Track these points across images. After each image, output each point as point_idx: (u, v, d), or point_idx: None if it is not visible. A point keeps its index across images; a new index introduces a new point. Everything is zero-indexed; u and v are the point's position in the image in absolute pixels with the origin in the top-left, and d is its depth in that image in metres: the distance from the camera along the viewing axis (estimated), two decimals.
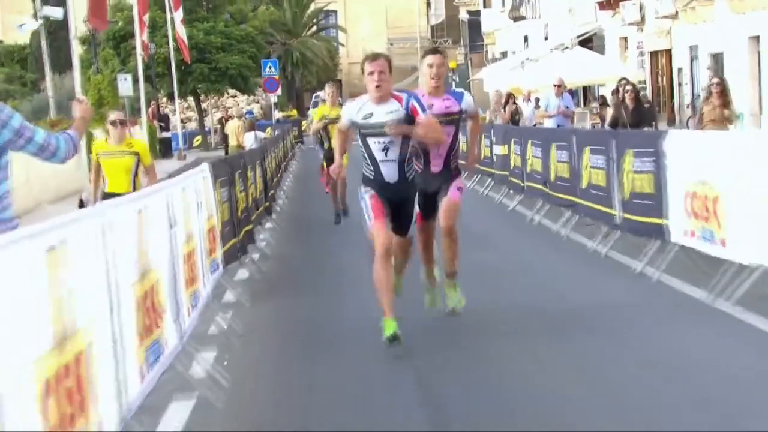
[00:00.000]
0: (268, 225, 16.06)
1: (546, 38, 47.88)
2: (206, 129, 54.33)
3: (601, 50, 41.82)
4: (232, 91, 59.57)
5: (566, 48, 42.02)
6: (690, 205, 9.01)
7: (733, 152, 8.28)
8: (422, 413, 5.97)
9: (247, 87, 53.40)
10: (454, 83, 57.72)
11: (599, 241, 11.64)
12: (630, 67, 39.05)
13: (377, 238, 7.52)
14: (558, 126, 20.89)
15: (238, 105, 66.58)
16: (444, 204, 8.28)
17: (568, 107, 21.88)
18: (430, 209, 8.33)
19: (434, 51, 8.46)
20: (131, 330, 5.16)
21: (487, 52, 62.04)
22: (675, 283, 9.30)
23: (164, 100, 53.39)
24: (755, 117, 30.14)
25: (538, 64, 39.18)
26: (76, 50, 22.80)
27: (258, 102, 67.33)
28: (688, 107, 35.20)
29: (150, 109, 42.17)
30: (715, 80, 16.01)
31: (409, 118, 7.49)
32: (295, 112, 58.31)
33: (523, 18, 51.80)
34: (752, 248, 7.82)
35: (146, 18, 33.19)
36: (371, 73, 7.46)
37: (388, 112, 7.48)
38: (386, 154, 7.57)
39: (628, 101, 17.68)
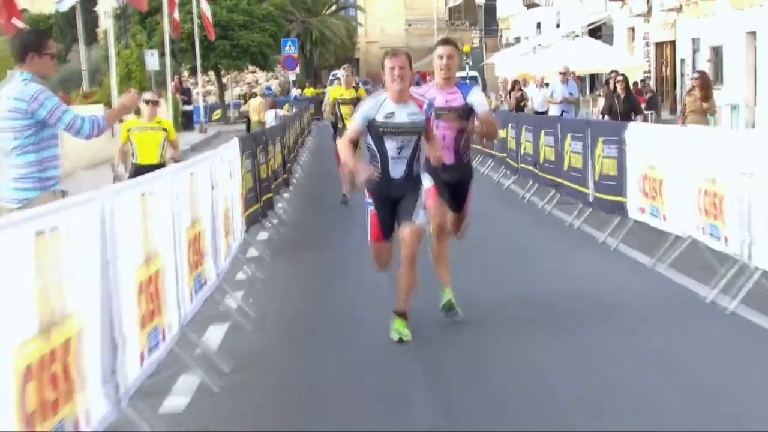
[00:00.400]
0: (286, 195, 17.81)
1: (558, 25, 49.41)
2: (226, 103, 56.11)
3: (609, 39, 43.37)
4: (251, 67, 61.28)
5: (576, 36, 43.61)
6: (642, 186, 10.72)
7: (675, 143, 9.98)
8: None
9: (267, 64, 55.22)
10: (467, 66, 59.27)
11: (574, 216, 13.35)
12: (636, 57, 40.64)
13: (374, 258, 7.90)
14: (562, 112, 22.52)
15: (257, 81, 68.40)
16: (455, 217, 8.46)
17: (572, 94, 23.46)
18: (456, 200, 8.42)
19: (446, 42, 8.44)
20: (182, 266, 6.89)
21: (501, 36, 63.56)
22: (626, 250, 11.06)
23: (186, 74, 55.05)
24: (750, 108, 31.73)
25: (549, 51, 40.69)
26: (112, 26, 24.44)
27: (276, 78, 69.07)
28: (683, 97, 36.75)
29: (173, 83, 43.87)
30: (696, 74, 17.66)
31: (427, 125, 7.67)
32: (312, 90, 59.94)
33: (536, 5, 53.35)
34: (685, 222, 9.53)
35: None
36: (392, 68, 7.49)
37: (409, 113, 7.55)
38: (399, 153, 7.63)
39: (619, 91, 19.28)
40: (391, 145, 7.59)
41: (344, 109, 15.93)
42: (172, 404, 6.21)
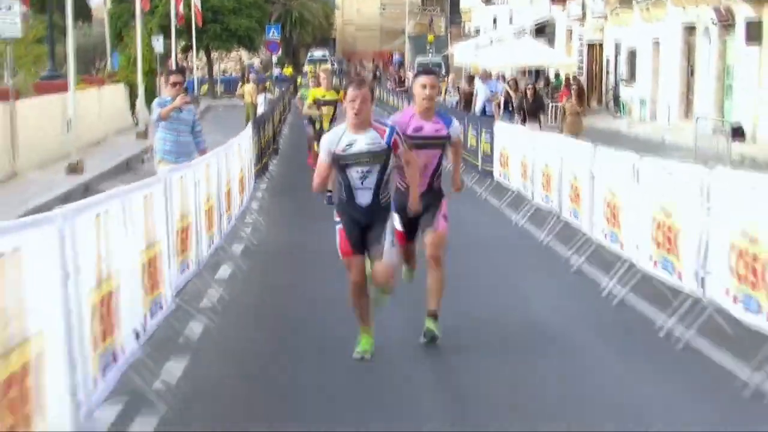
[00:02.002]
0: (274, 161, 24.41)
1: (511, 21, 55.98)
2: (214, 79, 62.51)
3: (552, 37, 50.02)
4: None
5: (525, 32, 50.29)
6: (500, 159, 17.42)
7: (516, 136, 16.67)
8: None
9: (252, 47, 61.64)
10: (431, 54, 65.74)
11: (485, 189, 19.49)
12: (573, 55, 47.33)
13: (349, 272, 7.79)
14: (484, 107, 28.88)
15: (241, 58, 74.75)
16: (430, 236, 8.24)
17: (492, 92, 29.98)
18: (414, 228, 8.40)
19: (428, 72, 8.57)
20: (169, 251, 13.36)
21: (464, 26, 70.02)
22: (504, 209, 17.65)
23: (179, 54, 61.31)
24: (653, 103, 38.50)
25: (500, 47, 47.35)
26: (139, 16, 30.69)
27: (258, 57, 75.37)
28: (609, 91, 43.59)
29: (168, 61, 50.25)
30: (574, 85, 24.35)
31: (389, 151, 7.63)
32: (290, 69, 66.34)
33: (492, 2, 59.92)
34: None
35: None
36: (353, 101, 7.50)
37: (369, 143, 7.58)
38: (362, 183, 7.64)
39: (528, 96, 25.73)
40: (353, 175, 7.61)
41: (325, 110, 16.87)
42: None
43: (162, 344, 7.63)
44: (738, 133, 29.95)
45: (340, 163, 7.61)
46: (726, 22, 31.94)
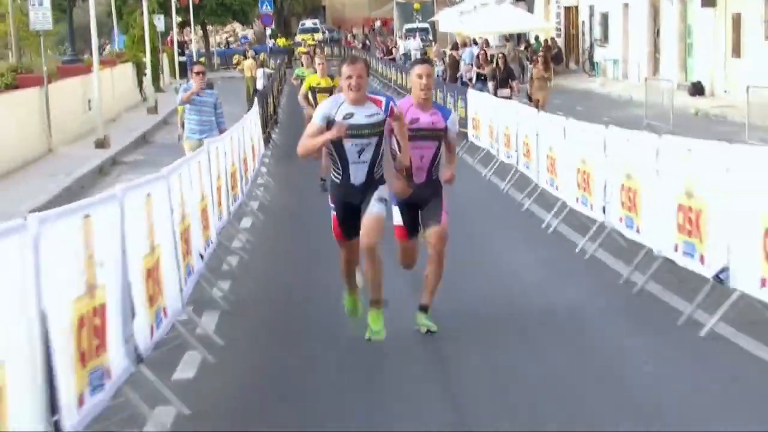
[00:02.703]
0: (276, 130, 27.20)
1: None
2: (210, 52, 65.16)
3: (532, 2, 52.64)
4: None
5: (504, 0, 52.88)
6: (472, 123, 20.24)
7: (484, 103, 19.48)
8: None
9: (246, 20, 64.30)
10: (417, 20, 68.23)
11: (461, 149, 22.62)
12: (551, 19, 50.00)
13: (341, 253, 8.02)
14: (461, 76, 31.63)
15: (234, 30, 77.33)
16: (435, 229, 8.10)
17: (466, 63, 32.67)
18: (415, 222, 8.27)
19: (423, 61, 8.52)
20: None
21: None
22: (476, 165, 20.51)
23: (177, 30, 63.99)
24: (625, 63, 41.26)
25: (481, 13, 50.00)
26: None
27: (252, 29, 77.96)
28: (584, 52, 46.34)
29: (168, 37, 52.95)
30: (540, 52, 27.09)
31: (388, 121, 7.68)
32: (284, 40, 68.93)
33: None
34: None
35: None
36: (349, 77, 7.53)
37: (368, 115, 7.59)
38: (359, 156, 7.64)
39: (500, 64, 28.39)
40: (350, 148, 7.60)
41: (320, 97, 16.03)
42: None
43: (213, 268, 10.48)
44: (697, 89, 32.81)
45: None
46: None
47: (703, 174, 8.19)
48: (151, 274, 6.85)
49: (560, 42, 48.25)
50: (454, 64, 36.94)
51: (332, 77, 16.55)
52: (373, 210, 7.69)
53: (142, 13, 41.19)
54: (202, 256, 9.19)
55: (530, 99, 24.56)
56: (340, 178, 7.76)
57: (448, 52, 39.18)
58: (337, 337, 8.25)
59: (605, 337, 8.11)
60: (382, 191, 7.77)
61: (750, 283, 7.42)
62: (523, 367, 7.39)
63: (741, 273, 7.59)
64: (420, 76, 8.16)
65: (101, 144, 23.72)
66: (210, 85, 14.94)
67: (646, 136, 10.01)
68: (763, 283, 7.18)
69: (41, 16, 22.00)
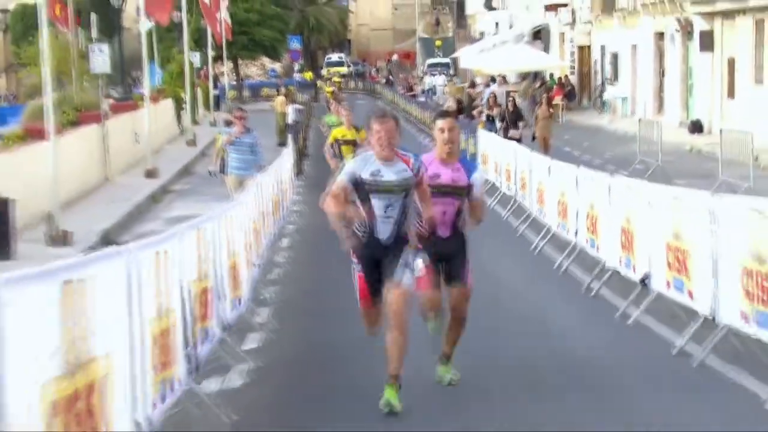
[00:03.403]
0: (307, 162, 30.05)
1: (511, 26, 61.45)
2: (241, 84, 68.52)
3: (548, 41, 55.51)
4: None
5: (524, 37, 55.77)
6: (481, 158, 22.99)
7: (491, 142, 22.24)
8: None
9: (276, 55, 67.69)
10: (439, 56, 71.25)
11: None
12: (566, 58, 52.82)
13: (365, 320, 7.92)
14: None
15: (263, 64, 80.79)
16: (458, 291, 8.05)
17: (482, 102, 35.33)
18: (453, 268, 8.11)
19: (444, 114, 8.38)
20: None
21: (470, 29, 75.50)
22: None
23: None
24: (633, 100, 43.99)
25: (500, 51, 52.84)
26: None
27: (280, 62, 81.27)
28: (595, 90, 49.13)
29: (202, 71, 56.08)
30: (544, 94, 29.84)
31: (415, 181, 7.59)
32: (310, 74, 72.16)
33: (494, 8, 65.47)
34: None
35: (218, 15, 47.11)
36: (379, 132, 7.48)
37: (396, 172, 7.53)
38: (386, 212, 7.56)
39: (510, 107, 30.81)
40: (377, 204, 7.53)
41: (345, 150, 16.44)
42: None
43: (267, 268, 13.19)
44: (696, 127, 35.47)
45: (366, 189, 7.53)
46: (686, 31, 37.44)
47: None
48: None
49: (574, 80, 51.01)
50: (471, 101, 39.81)
51: (357, 129, 16.75)
52: (401, 278, 7.57)
53: (179, 51, 44.33)
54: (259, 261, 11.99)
55: (533, 138, 26.95)
56: (365, 232, 7.64)
57: (465, 89, 42.02)
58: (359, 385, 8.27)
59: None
60: (407, 255, 7.65)
61: None
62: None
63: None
64: (443, 131, 7.98)
65: (151, 174, 26.62)
66: (248, 129, 16.71)
67: (640, 184, 11.07)
68: None
69: (101, 61, 24.96)
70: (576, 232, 13.51)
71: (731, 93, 33.81)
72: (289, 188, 19.68)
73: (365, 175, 7.53)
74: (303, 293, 12.93)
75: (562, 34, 54.22)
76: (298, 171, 25.54)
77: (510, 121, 28.69)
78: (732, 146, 21.63)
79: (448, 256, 8.07)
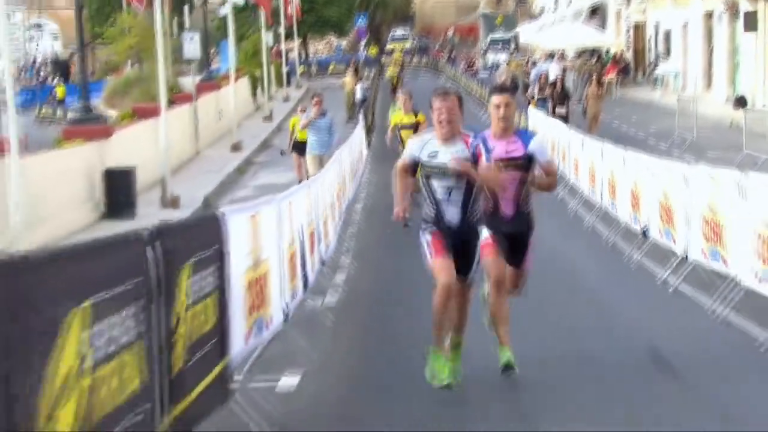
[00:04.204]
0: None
1: (569, 4, 63.87)
2: (309, 61, 71.89)
3: (605, 18, 57.95)
4: None
5: (582, 14, 58.25)
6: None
7: (540, 119, 25.19)
8: None
9: (342, 32, 70.97)
10: (500, 32, 73.83)
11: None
12: (622, 35, 55.28)
13: (439, 275, 7.35)
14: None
15: (331, 39, 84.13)
16: (514, 273, 8.05)
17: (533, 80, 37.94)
18: (515, 254, 8.01)
19: (500, 90, 8.16)
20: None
21: (530, 5, 77.98)
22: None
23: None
24: (684, 76, 46.45)
25: (557, 28, 55.46)
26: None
27: (347, 38, 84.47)
28: (649, 65, 51.59)
29: (273, 50, 59.46)
30: (594, 74, 32.50)
31: (474, 160, 7.33)
32: (375, 50, 75.27)
33: None
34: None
35: None
36: (440, 109, 7.33)
37: (454, 152, 7.33)
38: (449, 195, 7.38)
39: (557, 86, 33.23)
40: (439, 189, 7.39)
41: (404, 134, 16.37)
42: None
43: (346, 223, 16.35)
44: (741, 102, 37.96)
45: (425, 171, 7.48)
46: (732, 11, 39.87)
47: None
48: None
49: (629, 56, 53.43)
50: (526, 78, 42.55)
51: (416, 113, 16.77)
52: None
53: (255, 30, 47.69)
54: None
55: (584, 114, 29.68)
56: (433, 216, 7.52)
57: (523, 67, 44.76)
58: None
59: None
60: (480, 247, 7.58)
61: None
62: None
63: None
64: (498, 107, 7.89)
65: (236, 147, 29.97)
66: (323, 113, 18.66)
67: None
68: None
69: (193, 49, 28.28)
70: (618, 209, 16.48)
71: None
72: (361, 160, 22.81)
73: (423, 157, 7.48)
74: (376, 242, 16.03)
75: (618, 11, 56.59)
76: (368, 143, 28.67)
77: (558, 99, 31.27)
78: (762, 122, 24.31)
79: (513, 238, 7.94)
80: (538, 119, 25.44)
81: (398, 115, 17.06)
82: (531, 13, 72.86)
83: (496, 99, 7.94)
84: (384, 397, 7.55)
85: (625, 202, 14.47)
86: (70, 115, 45.24)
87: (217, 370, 5.94)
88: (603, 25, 56.91)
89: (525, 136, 8.02)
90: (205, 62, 39.42)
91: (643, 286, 11.46)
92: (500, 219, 7.84)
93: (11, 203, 13.35)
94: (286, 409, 7.21)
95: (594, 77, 31.97)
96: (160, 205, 19.66)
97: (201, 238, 5.87)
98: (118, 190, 18.27)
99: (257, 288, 7.33)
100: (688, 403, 7.19)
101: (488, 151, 7.43)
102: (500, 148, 7.76)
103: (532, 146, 7.86)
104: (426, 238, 7.49)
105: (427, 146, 7.47)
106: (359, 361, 8.77)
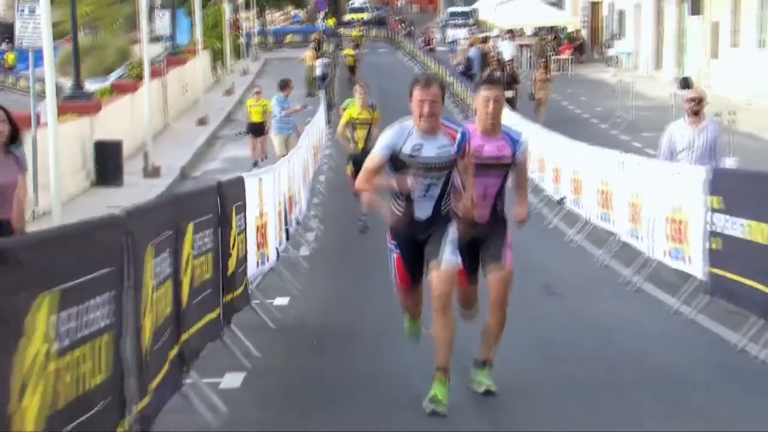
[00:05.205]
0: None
1: None
2: (266, 31, 75.08)
3: None
4: None
5: None
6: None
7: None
8: None
9: (301, 3, 74.18)
10: (460, 4, 77.18)
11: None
12: (579, 13, 59.01)
13: (404, 301, 7.66)
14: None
15: (287, 12, 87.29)
16: (497, 273, 7.58)
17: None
18: (475, 262, 7.70)
19: (490, 83, 7.88)
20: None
21: None
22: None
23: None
24: (636, 55, 50.30)
25: (516, 5, 59.00)
26: None
27: (304, 8, 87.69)
28: (603, 44, 55.44)
29: (230, 21, 62.60)
30: (542, 59, 36.04)
31: (459, 152, 7.16)
32: (332, 20, 78.56)
33: None
34: None
35: None
36: (422, 102, 7.02)
37: (439, 147, 7.09)
38: (427, 192, 7.18)
39: (507, 70, 36.52)
40: (417, 185, 7.10)
41: (359, 131, 16.14)
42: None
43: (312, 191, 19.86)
44: (685, 84, 41.80)
45: (406, 166, 7.12)
46: None
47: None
48: (280, 215, 12.73)
49: (585, 34, 57.22)
50: (483, 57, 45.86)
51: (373, 107, 16.41)
52: (447, 256, 7.19)
53: (214, 3, 50.85)
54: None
55: (532, 98, 32.96)
56: (402, 211, 7.27)
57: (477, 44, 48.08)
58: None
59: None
60: (452, 233, 7.29)
61: None
62: None
63: None
64: (487, 100, 7.55)
65: (202, 122, 33.28)
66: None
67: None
68: None
69: (162, 26, 31.55)
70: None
71: (715, 54, 40.12)
72: (323, 136, 26.27)
73: (406, 150, 7.13)
74: (341, 209, 19.45)
75: None
76: (327, 120, 32.05)
77: (506, 82, 34.58)
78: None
79: (486, 237, 7.70)
80: None
81: (354, 109, 16.32)
82: None
83: (486, 93, 7.60)
84: (357, 314, 10.84)
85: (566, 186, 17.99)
86: (23, 83, 47.91)
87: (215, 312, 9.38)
88: (560, 3, 60.61)
89: (512, 138, 7.68)
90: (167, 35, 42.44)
91: (582, 263, 13.85)
92: (473, 223, 7.58)
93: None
94: (280, 325, 10.23)
95: (541, 62, 35.38)
96: (142, 174, 22.98)
97: (234, 193, 9.38)
98: (107, 161, 21.58)
99: (262, 231, 10.85)
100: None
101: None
102: (490, 147, 7.57)
103: (519, 153, 7.68)
104: (392, 259, 7.49)
105: (410, 139, 7.16)
106: (332, 291, 12.38)
